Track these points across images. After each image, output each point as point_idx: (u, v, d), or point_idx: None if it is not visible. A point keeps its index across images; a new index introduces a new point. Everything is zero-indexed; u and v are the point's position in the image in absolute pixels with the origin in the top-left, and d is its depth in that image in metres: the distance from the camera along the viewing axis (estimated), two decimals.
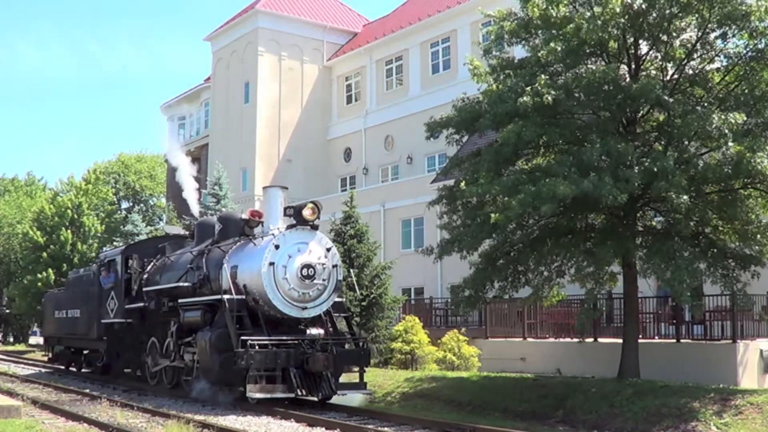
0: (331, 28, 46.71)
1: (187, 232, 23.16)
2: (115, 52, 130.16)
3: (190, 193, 24.48)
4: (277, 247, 16.46)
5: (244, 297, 16.60)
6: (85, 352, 25.84)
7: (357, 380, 16.87)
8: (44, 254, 43.81)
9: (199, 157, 51.73)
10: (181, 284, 18.77)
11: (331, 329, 17.21)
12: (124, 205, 66.82)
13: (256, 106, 44.03)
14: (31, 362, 32.80)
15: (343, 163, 45.03)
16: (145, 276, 21.51)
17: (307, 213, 16.74)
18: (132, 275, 21.93)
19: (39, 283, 43.03)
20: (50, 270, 43.23)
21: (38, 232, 44.73)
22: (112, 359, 23.23)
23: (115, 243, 42.07)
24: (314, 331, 16.77)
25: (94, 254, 44.06)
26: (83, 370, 26.16)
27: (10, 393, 18.12)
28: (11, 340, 54.86)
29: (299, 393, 15.61)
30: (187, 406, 16.63)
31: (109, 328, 22.73)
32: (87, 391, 19.77)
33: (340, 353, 16.39)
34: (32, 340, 56.11)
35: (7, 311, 54.32)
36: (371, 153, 43.32)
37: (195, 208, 25.34)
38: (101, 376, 23.52)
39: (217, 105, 47.93)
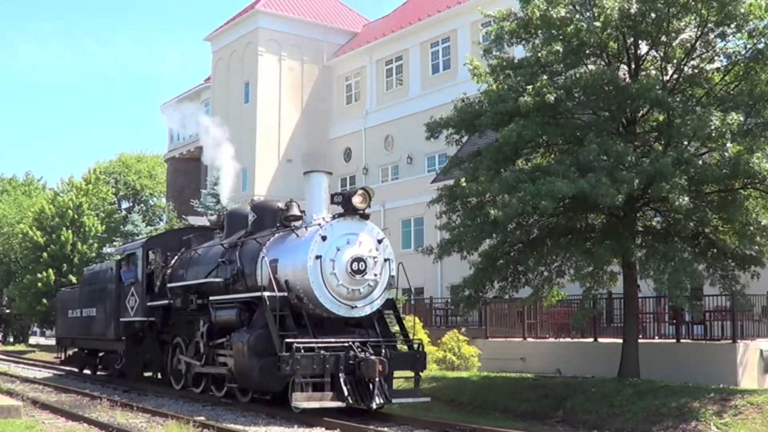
0: (331, 28, 46.75)
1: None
2: (115, 52, 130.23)
3: (228, 179, 22.58)
4: (324, 238, 14.90)
5: (286, 294, 15.02)
6: (101, 354, 24.32)
7: (397, 385, 15.50)
8: (44, 254, 43.84)
9: (199, 157, 51.77)
10: (211, 280, 17.30)
11: (380, 330, 15.54)
12: (124, 205, 66.84)
13: (256, 106, 44.05)
14: (40, 364, 32.60)
15: (343, 163, 45.04)
16: (169, 271, 19.98)
17: (357, 200, 15.14)
18: (154, 270, 20.47)
19: (39, 283, 43.09)
20: (50, 270, 43.27)
21: (38, 233, 44.76)
22: (132, 361, 21.51)
23: (115, 243, 42.09)
24: (362, 331, 15.31)
25: (94, 254, 44.14)
26: (99, 373, 24.71)
27: (10, 393, 18.11)
28: (11, 340, 54.90)
29: (350, 401, 14.00)
30: (187, 406, 16.63)
31: (129, 327, 21.18)
32: (87, 391, 19.76)
33: (393, 357, 14.85)
34: (32, 340, 56.18)
35: (7, 311, 54.37)
36: (371, 153, 43.33)
37: (226, 197, 23.91)
38: (118, 380, 21.89)
39: (217, 105, 47.94)
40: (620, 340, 18.16)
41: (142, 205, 67.68)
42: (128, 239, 40.37)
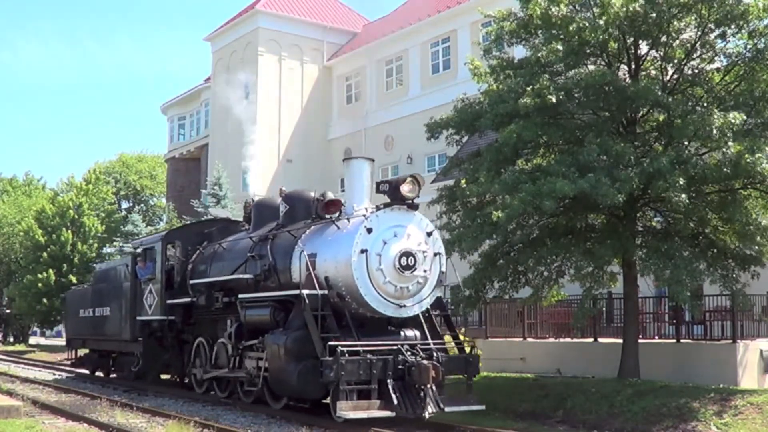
0: (331, 28, 46.72)
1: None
2: (116, 52, 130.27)
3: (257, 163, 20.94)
4: (369, 230, 13.64)
5: (326, 292, 13.79)
6: (114, 355, 23.21)
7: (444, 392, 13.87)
8: (44, 254, 43.86)
9: (199, 157, 51.80)
10: (239, 276, 16.11)
11: (428, 330, 14.30)
12: (125, 205, 66.86)
13: (256, 106, 44.01)
14: (40, 364, 32.57)
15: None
16: (190, 266, 18.83)
17: (405, 189, 13.86)
18: (174, 266, 19.30)
19: (39, 284, 43.13)
20: (50, 270, 43.29)
21: (39, 231, 44.78)
22: (149, 363, 20.50)
23: (115, 243, 42.13)
24: (409, 333, 14.16)
25: (94, 254, 44.18)
26: (112, 376, 23.68)
27: (10, 393, 18.12)
28: (11, 340, 54.93)
29: (400, 410, 12.74)
30: (187, 406, 16.64)
31: (146, 326, 20.13)
32: (87, 391, 19.76)
33: (446, 361, 13.69)
34: (32, 340, 56.22)
35: (7, 311, 54.40)
36: (371, 153, 43.09)
37: (255, 185, 22.12)
38: (133, 383, 20.94)
39: (217, 105, 47.92)
40: (620, 340, 18.15)
41: (142, 205, 67.70)
42: (128, 239, 40.41)
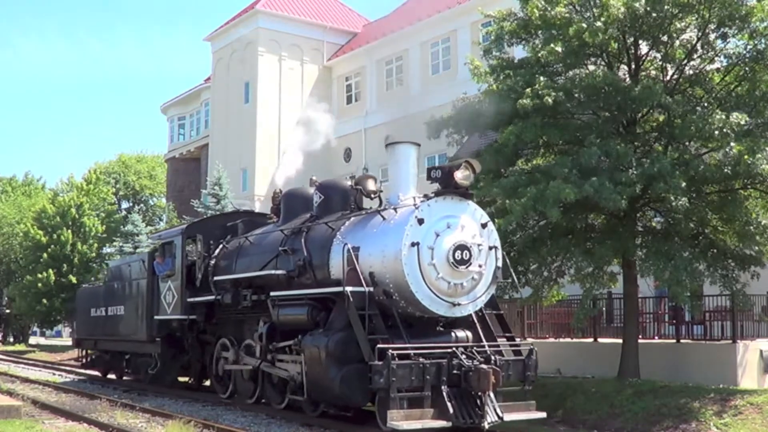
0: (331, 28, 46.71)
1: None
2: (116, 51, 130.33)
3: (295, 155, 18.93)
4: (420, 221, 12.38)
5: (372, 289, 12.48)
6: (127, 356, 22.01)
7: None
8: (44, 254, 43.89)
9: (199, 157, 51.81)
10: (271, 272, 14.82)
11: (482, 331, 13.14)
12: (124, 205, 66.86)
13: (256, 106, 44.02)
14: (40, 364, 32.61)
15: (343, 163, 44.99)
16: (213, 261, 17.67)
17: (459, 175, 12.61)
18: (195, 261, 18.10)
19: (39, 284, 43.16)
20: (50, 270, 43.32)
21: (40, 231, 44.81)
22: (167, 365, 19.57)
23: (115, 243, 42.16)
24: (460, 333, 13.00)
25: (94, 254, 44.20)
26: (125, 378, 22.69)
27: (10, 393, 18.13)
28: (11, 340, 54.97)
29: (456, 419, 11.49)
30: (187, 406, 16.64)
31: (164, 326, 18.95)
32: (87, 391, 19.77)
33: (503, 365, 12.40)
34: (32, 340, 56.27)
35: (7, 311, 54.44)
36: (371, 153, 43.24)
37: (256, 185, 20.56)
38: (150, 386, 20.05)
39: (217, 105, 47.93)
40: (620, 340, 18.16)
41: (142, 205, 67.71)
42: (128, 239, 40.42)
